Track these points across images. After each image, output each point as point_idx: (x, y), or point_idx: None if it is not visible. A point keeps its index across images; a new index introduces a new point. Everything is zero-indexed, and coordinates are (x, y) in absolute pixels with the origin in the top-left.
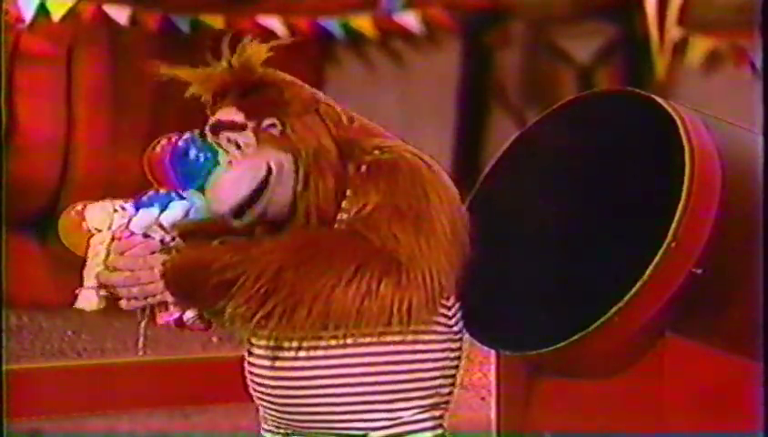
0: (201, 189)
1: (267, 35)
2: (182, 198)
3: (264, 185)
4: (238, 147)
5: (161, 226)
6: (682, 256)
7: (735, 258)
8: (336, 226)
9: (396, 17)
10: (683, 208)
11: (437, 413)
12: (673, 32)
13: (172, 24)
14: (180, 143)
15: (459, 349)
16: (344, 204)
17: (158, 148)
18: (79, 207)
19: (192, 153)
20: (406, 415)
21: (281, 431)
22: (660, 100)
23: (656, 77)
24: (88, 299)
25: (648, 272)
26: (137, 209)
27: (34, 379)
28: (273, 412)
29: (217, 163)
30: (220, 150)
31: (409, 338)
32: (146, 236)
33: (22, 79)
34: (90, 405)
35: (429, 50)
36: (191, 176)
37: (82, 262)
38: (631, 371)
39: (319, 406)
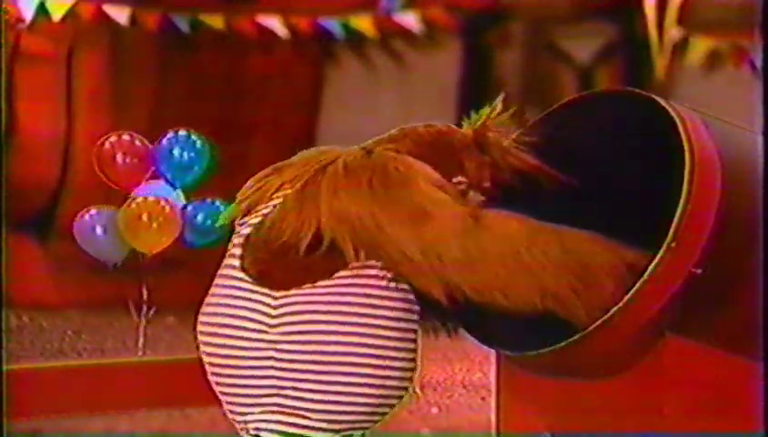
0: (193, 184)
1: (267, 34)
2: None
3: None
4: None
5: None
6: (682, 256)
7: (735, 258)
8: None
9: (396, 17)
10: (683, 208)
11: None
12: (673, 32)
13: (172, 24)
14: (164, 142)
15: None
16: None
17: (107, 145)
18: (139, 199)
19: (176, 151)
20: None
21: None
22: (660, 100)
23: (656, 77)
24: None
25: (648, 272)
26: None
27: (34, 379)
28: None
29: (204, 160)
30: (206, 146)
31: None
32: None
33: (22, 79)
34: (90, 405)
35: (429, 50)
36: (179, 172)
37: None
38: (631, 371)
39: None
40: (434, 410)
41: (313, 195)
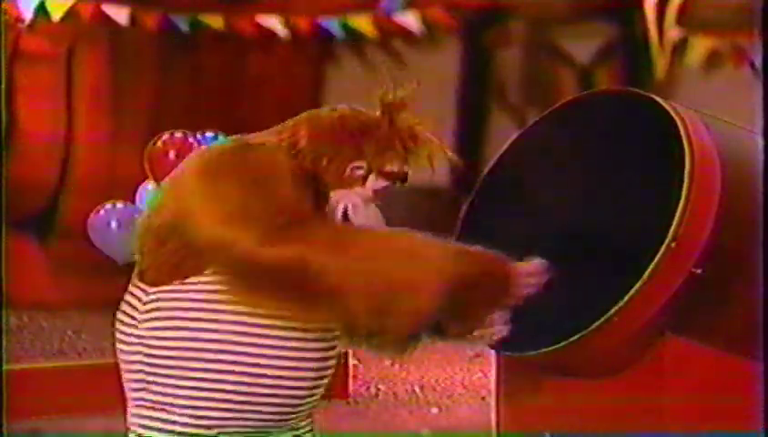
0: None
1: (267, 34)
2: None
3: None
4: None
5: None
6: (682, 256)
7: (735, 258)
8: None
9: (396, 17)
10: (683, 208)
11: None
12: (673, 32)
13: (172, 23)
14: (198, 141)
15: None
16: None
17: (160, 144)
18: None
19: None
20: None
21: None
22: (660, 100)
23: (656, 77)
24: None
25: (648, 272)
26: None
27: (34, 379)
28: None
29: None
30: None
31: None
32: None
33: (22, 79)
34: (90, 405)
35: (429, 50)
36: None
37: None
38: (631, 371)
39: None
40: (434, 410)
41: (182, 184)
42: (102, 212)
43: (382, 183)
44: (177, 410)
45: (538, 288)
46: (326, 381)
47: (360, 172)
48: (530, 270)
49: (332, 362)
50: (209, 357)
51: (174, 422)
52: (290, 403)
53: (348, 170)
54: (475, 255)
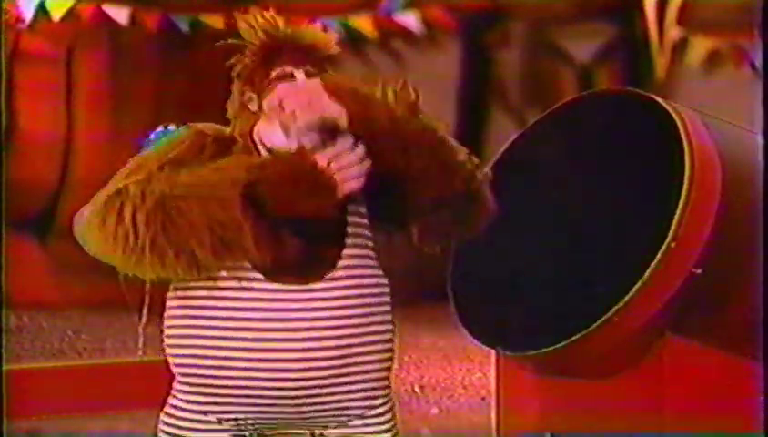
0: None
1: None
2: None
3: None
4: None
5: None
6: (682, 256)
7: (735, 258)
8: None
9: (396, 17)
10: (683, 208)
11: None
12: (673, 32)
13: (172, 24)
14: (152, 136)
15: None
16: None
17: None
18: None
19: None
20: None
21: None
22: (660, 100)
23: (656, 77)
24: None
25: (648, 272)
26: None
27: (34, 379)
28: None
29: None
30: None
31: None
32: None
33: (22, 79)
34: (90, 405)
35: (429, 50)
36: None
37: None
38: (631, 371)
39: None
40: (434, 410)
41: None
42: None
43: (279, 96)
44: (180, 395)
45: (359, 171)
46: (316, 380)
47: (252, 100)
48: (335, 152)
49: (321, 362)
50: (186, 342)
51: (176, 407)
52: (269, 394)
53: (245, 104)
54: (271, 161)
